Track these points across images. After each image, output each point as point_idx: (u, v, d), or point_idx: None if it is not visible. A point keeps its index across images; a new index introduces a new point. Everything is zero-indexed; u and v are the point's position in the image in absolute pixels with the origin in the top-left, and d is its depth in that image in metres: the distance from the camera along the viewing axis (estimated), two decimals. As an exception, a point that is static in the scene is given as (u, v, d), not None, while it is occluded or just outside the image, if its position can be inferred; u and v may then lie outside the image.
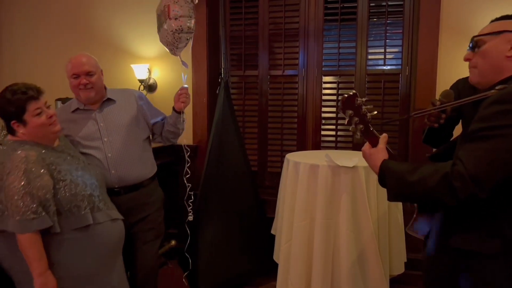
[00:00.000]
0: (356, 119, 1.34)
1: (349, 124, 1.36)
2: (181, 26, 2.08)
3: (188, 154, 2.29)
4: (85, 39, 3.34)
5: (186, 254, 2.49)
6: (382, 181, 1.29)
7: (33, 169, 1.62)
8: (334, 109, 3.03)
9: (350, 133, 3.00)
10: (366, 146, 1.37)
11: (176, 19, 2.06)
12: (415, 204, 1.47)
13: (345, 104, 1.34)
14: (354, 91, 1.37)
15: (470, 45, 1.29)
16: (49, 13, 3.44)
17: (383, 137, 1.36)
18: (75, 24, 3.38)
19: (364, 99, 1.34)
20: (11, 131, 1.73)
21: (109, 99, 2.13)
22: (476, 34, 1.30)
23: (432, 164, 1.18)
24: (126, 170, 2.07)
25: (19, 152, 1.65)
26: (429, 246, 1.33)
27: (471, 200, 1.10)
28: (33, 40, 3.51)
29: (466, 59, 1.32)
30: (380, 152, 1.33)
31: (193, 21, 2.11)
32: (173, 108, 2.17)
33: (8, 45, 3.57)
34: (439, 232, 1.29)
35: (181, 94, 2.15)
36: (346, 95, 1.34)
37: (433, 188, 1.12)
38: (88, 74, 2.01)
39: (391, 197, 1.27)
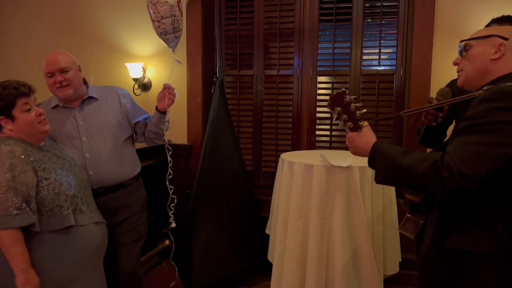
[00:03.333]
0: (345, 116, 1.36)
1: (338, 120, 1.39)
2: (164, 28, 2.02)
3: (170, 153, 2.20)
4: (79, 37, 3.32)
5: (172, 262, 2.44)
6: (372, 162, 1.31)
7: (18, 164, 1.59)
8: (329, 109, 3.03)
9: (345, 133, 3.00)
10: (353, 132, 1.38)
11: (159, 21, 2.00)
12: (407, 201, 1.47)
13: (333, 101, 1.36)
14: (344, 89, 1.38)
15: (459, 50, 1.32)
16: (43, 12, 3.42)
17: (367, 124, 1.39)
18: (69, 22, 3.36)
19: (353, 97, 1.34)
20: None
21: (90, 97, 2.05)
22: (467, 37, 1.32)
23: (423, 152, 1.20)
24: (104, 171, 2.00)
25: (3, 147, 1.61)
26: (424, 247, 1.33)
27: (459, 194, 1.12)
28: (26, 38, 3.48)
29: (454, 64, 1.35)
30: (371, 133, 1.35)
31: (177, 20, 2.03)
32: (156, 108, 2.10)
33: (0, 43, 3.54)
34: (434, 232, 1.29)
35: (170, 93, 2.06)
36: (334, 93, 1.37)
37: (422, 174, 1.13)
38: (63, 70, 1.93)
39: (379, 179, 1.28)
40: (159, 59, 3.16)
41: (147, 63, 3.20)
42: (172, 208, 2.24)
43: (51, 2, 3.39)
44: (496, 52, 1.23)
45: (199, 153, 2.86)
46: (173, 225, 2.26)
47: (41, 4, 3.42)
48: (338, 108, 1.36)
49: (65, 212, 1.69)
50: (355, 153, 1.39)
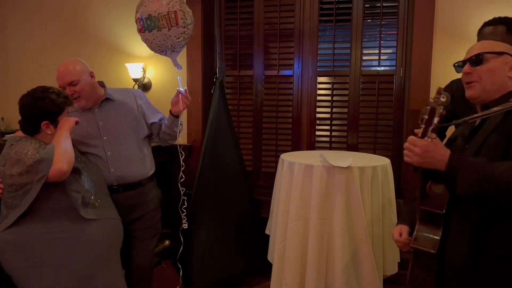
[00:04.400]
0: (438, 118, 1.24)
1: (432, 123, 1.24)
2: (188, 34, 2.10)
3: (183, 157, 2.28)
4: (79, 37, 3.32)
5: (179, 264, 2.47)
6: (452, 173, 1.23)
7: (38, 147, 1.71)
8: (329, 110, 3.04)
9: (345, 134, 3.01)
10: (423, 140, 1.27)
11: (184, 27, 2.06)
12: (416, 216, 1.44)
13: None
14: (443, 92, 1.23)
15: (472, 59, 1.34)
16: (43, 12, 3.42)
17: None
18: (69, 23, 3.36)
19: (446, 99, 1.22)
20: (32, 130, 1.76)
21: (107, 99, 2.13)
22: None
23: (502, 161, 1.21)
24: (124, 168, 2.08)
25: (22, 142, 1.72)
26: (457, 258, 1.31)
27: None
28: (26, 39, 3.48)
29: (465, 73, 1.36)
30: (441, 143, 1.29)
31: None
32: (170, 112, 2.17)
33: (0, 44, 3.54)
34: (473, 241, 1.28)
35: (185, 97, 2.14)
36: (439, 95, 1.22)
37: None
38: (71, 84, 1.98)
39: (465, 189, 1.22)
40: (159, 59, 3.15)
41: (147, 63, 3.20)
42: (184, 211, 2.33)
43: (51, 2, 3.39)
44: (510, 70, 1.32)
45: (199, 154, 2.87)
46: (185, 225, 2.37)
47: (40, 4, 3.42)
48: (441, 110, 1.22)
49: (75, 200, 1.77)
50: (424, 163, 1.27)
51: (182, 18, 2.04)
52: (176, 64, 2.20)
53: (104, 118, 2.10)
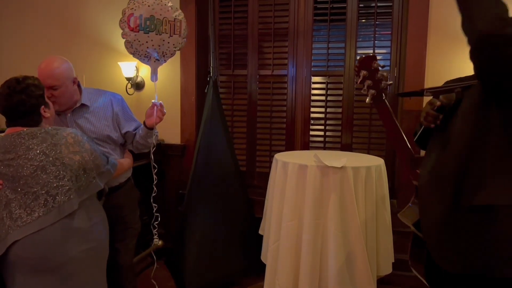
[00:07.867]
0: (370, 82, 1.30)
1: (361, 84, 1.32)
2: (183, 46, 2.11)
3: (156, 171, 2.18)
4: (72, 35, 3.30)
5: (153, 281, 2.42)
6: None
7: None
8: (323, 109, 3.03)
9: (339, 134, 3.01)
10: None
11: (183, 38, 2.08)
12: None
13: (362, 64, 1.31)
14: (374, 54, 1.35)
15: None
16: (36, 9, 3.39)
17: None
18: (62, 20, 3.33)
19: (382, 64, 1.31)
20: (35, 121, 1.69)
21: (82, 105, 2.05)
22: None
23: None
24: None
25: (68, 130, 1.73)
26: (437, 214, 1.26)
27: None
28: (19, 36, 3.45)
29: None
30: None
31: None
32: (144, 124, 2.10)
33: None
34: (453, 194, 1.21)
35: (160, 111, 2.07)
36: (364, 56, 1.32)
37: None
38: (52, 88, 1.90)
39: None
40: (152, 58, 3.13)
41: (140, 62, 3.16)
42: (156, 226, 2.26)
43: (44, 0, 3.36)
44: None
45: (193, 153, 2.85)
46: (159, 243, 2.38)
47: (33, 2, 3.38)
48: (364, 72, 1.30)
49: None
50: None
51: (184, 29, 2.07)
52: (154, 74, 2.13)
53: (77, 124, 2.03)
